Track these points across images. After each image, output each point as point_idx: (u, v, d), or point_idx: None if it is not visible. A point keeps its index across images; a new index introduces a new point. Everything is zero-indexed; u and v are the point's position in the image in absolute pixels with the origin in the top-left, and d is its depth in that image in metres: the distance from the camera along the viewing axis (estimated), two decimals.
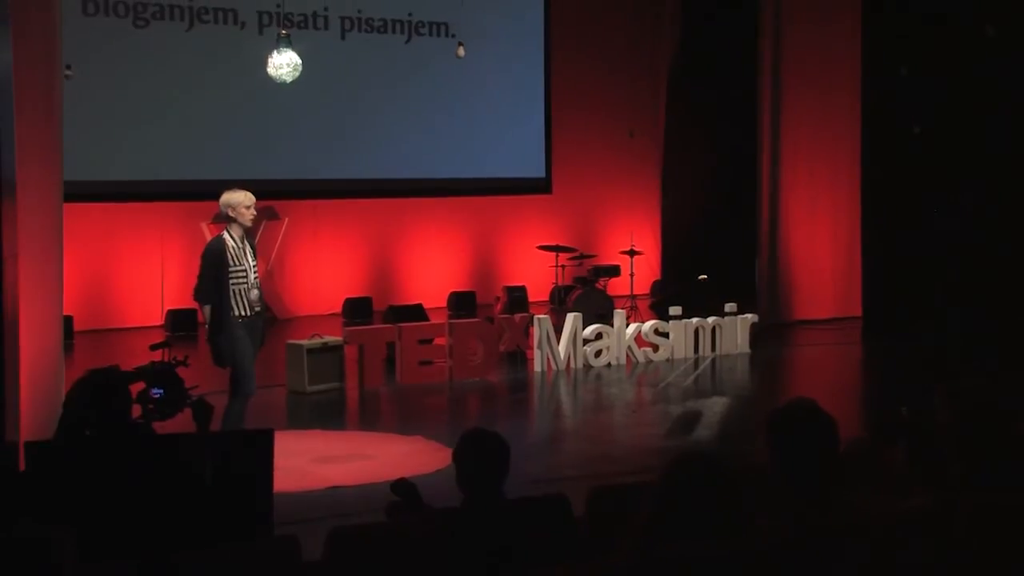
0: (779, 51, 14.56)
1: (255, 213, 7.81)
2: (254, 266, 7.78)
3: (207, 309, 7.72)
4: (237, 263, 7.64)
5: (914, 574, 3.16)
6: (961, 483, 3.41)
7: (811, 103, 14.64)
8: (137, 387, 6.04)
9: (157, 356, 6.83)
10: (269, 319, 13.82)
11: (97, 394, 5.20)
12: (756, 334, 12.85)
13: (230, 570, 4.00)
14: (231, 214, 7.71)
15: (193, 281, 7.87)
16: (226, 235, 7.72)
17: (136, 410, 5.82)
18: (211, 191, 8.34)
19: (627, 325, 12.20)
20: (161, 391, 6.11)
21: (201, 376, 7.40)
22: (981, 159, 13.39)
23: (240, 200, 7.71)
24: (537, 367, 11.56)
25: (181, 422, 6.25)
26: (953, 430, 3.52)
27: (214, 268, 7.64)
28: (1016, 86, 12.85)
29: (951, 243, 13.48)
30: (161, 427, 6.09)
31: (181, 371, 6.47)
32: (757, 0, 14.54)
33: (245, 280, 7.67)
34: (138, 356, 8.26)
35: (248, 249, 7.77)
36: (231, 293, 7.63)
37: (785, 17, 14.50)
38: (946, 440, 3.54)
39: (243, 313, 7.68)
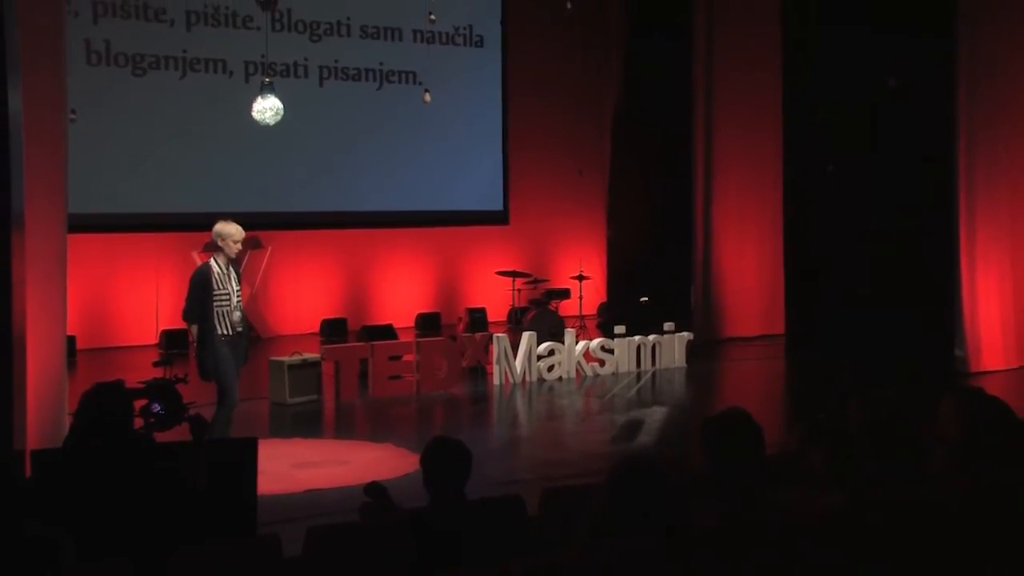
0: (711, 100, 14.69)
1: (240, 247, 7.88)
2: (238, 291, 7.81)
3: (194, 328, 7.76)
4: (221, 287, 7.69)
5: (833, 564, 3.17)
6: (871, 481, 3.44)
7: (739, 145, 14.78)
8: (140, 401, 6.00)
9: (159, 373, 6.82)
10: (254, 338, 13.76)
11: (103, 407, 5.16)
12: (691, 350, 12.90)
13: (219, 565, 3.97)
14: (219, 243, 7.77)
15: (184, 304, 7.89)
16: (212, 262, 7.77)
17: (138, 422, 5.78)
18: (201, 223, 8.35)
19: (576, 342, 12.22)
20: (161, 406, 6.08)
21: (196, 390, 7.37)
22: (886, 192, 13.55)
23: (230, 233, 7.77)
24: (496, 381, 11.56)
25: (177, 431, 6.21)
26: (865, 435, 3.54)
27: (200, 292, 7.70)
28: (913, 128, 13.04)
29: (863, 268, 13.61)
30: (158, 436, 6.05)
31: (179, 387, 6.45)
32: (691, 55, 14.69)
33: (228, 303, 7.70)
34: (135, 372, 8.25)
35: (233, 275, 7.81)
36: (215, 314, 7.68)
37: (716, 71, 14.65)
38: (859, 444, 3.56)
39: (226, 332, 7.71)
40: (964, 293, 11.81)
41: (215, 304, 7.67)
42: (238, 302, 7.80)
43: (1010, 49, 11.80)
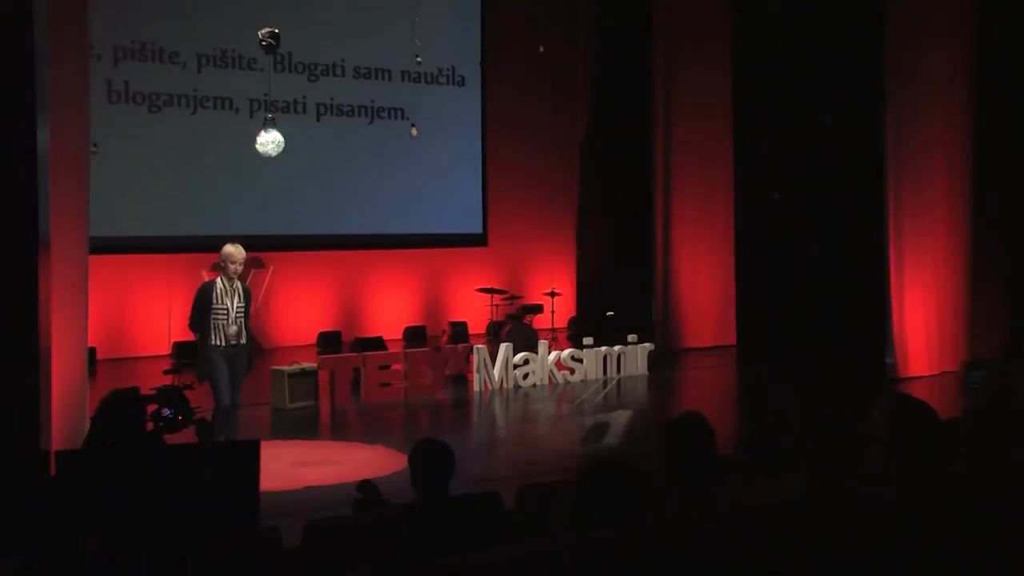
0: (669, 133, 14.76)
1: (239, 268, 7.89)
2: (238, 307, 7.80)
3: (198, 337, 7.77)
4: (220, 303, 7.74)
5: (779, 551, 3.18)
6: (813, 477, 3.46)
7: (694, 176, 14.85)
8: (151, 406, 5.97)
9: (168, 380, 6.79)
10: (257, 349, 13.69)
11: (119, 411, 5.14)
12: (653, 359, 12.92)
13: (225, 556, 3.96)
14: (222, 264, 7.80)
15: None
16: (217, 280, 7.78)
17: (149, 425, 5.75)
18: (210, 245, 8.33)
19: (549, 353, 12.22)
20: (170, 410, 6.06)
21: (202, 395, 7.34)
22: (825, 219, 13.66)
23: (230, 254, 7.84)
24: (476, 388, 11.54)
25: (185, 434, 6.18)
26: (807, 434, 3.56)
27: (200, 305, 7.77)
28: (848, 161, 13.18)
29: (805, 287, 13.70)
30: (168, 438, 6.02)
31: (187, 393, 6.41)
32: (652, 96, 14.77)
33: (226, 317, 7.73)
34: (149, 380, 8.19)
35: (238, 293, 7.80)
36: (212, 326, 7.69)
37: (674, 110, 14.73)
38: (801, 443, 3.58)
39: (221, 343, 7.72)
40: (894, 308, 11.92)
41: (213, 317, 7.72)
42: (236, 317, 7.79)
43: (931, 94, 11.98)
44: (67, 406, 7.36)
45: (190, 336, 10.52)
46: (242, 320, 7.85)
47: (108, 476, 4.72)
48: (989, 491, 3.50)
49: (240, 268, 7.89)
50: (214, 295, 7.72)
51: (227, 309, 7.72)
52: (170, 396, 6.20)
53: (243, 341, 7.86)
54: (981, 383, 11.27)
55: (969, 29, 12.12)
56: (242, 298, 7.85)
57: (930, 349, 12.10)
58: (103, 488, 4.60)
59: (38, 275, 6.53)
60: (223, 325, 7.72)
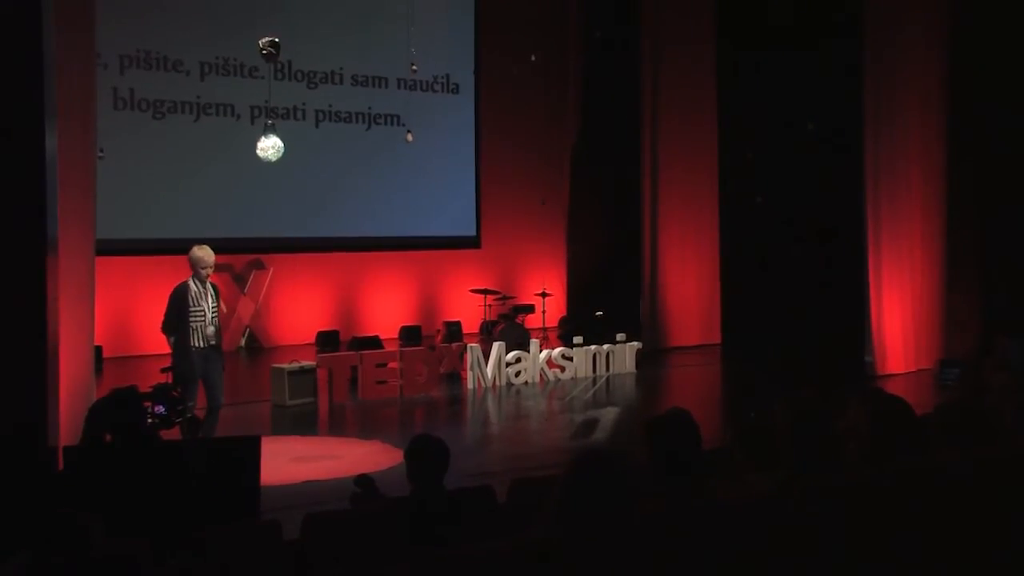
0: (656, 138, 14.78)
1: (209, 272, 7.71)
2: (213, 307, 7.68)
3: (172, 340, 7.64)
4: (196, 304, 7.59)
5: (762, 542, 3.19)
6: (795, 470, 3.47)
7: (680, 180, 14.87)
8: (147, 404, 5.96)
9: (163, 379, 6.77)
10: (256, 348, 13.70)
11: (119, 408, 5.13)
12: (640, 358, 12.94)
13: (227, 547, 3.95)
14: (193, 269, 7.70)
15: None
16: (190, 281, 7.68)
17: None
18: (212, 247, 8.24)
19: (540, 351, 12.23)
20: (164, 407, 6.05)
21: (203, 394, 7.30)
22: (807, 222, 13.70)
23: (200, 259, 7.70)
24: (470, 385, 11.55)
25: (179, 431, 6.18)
26: (789, 430, 3.57)
27: (176, 308, 7.59)
28: (829, 167, 13.21)
29: (788, 288, 13.73)
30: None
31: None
32: (639, 103, 14.78)
33: (203, 318, 7.60)
34: (153, 377, 8.17)
35: (210, 294, 7.69)
36: (190, 328, 7.55)
37: (661, 116, 14.74)
38: (784, 438, 3.59)
39: (199, 344, 7.60)
40: (872, 309, 11.96)
41: (191, 319, 7.56)
42: (213, 318, 7.68)
43: (908, 100, 12.04)
44: (74, 402, 7.33)
45: None
46: (217, 320, 7.75)
47: (112, 471, 4.71)
48: (960, 482, 3.51)
49: (211, 271, 7.77)
50: (190, 297, 7.59)
51: (204, 310, 7.59)
52: (163, 394, 6.20)
53: (217, 342, 7.78)
54: (955, 380, 11.32)
55: (944, 36, 12.17)
56: (214, 297, 7.74)
57: (907, 347, 12.15)
58: (109, 483, 4.60)
59: (46, 276, 6.51)
60: (201, 326, 7.57)
